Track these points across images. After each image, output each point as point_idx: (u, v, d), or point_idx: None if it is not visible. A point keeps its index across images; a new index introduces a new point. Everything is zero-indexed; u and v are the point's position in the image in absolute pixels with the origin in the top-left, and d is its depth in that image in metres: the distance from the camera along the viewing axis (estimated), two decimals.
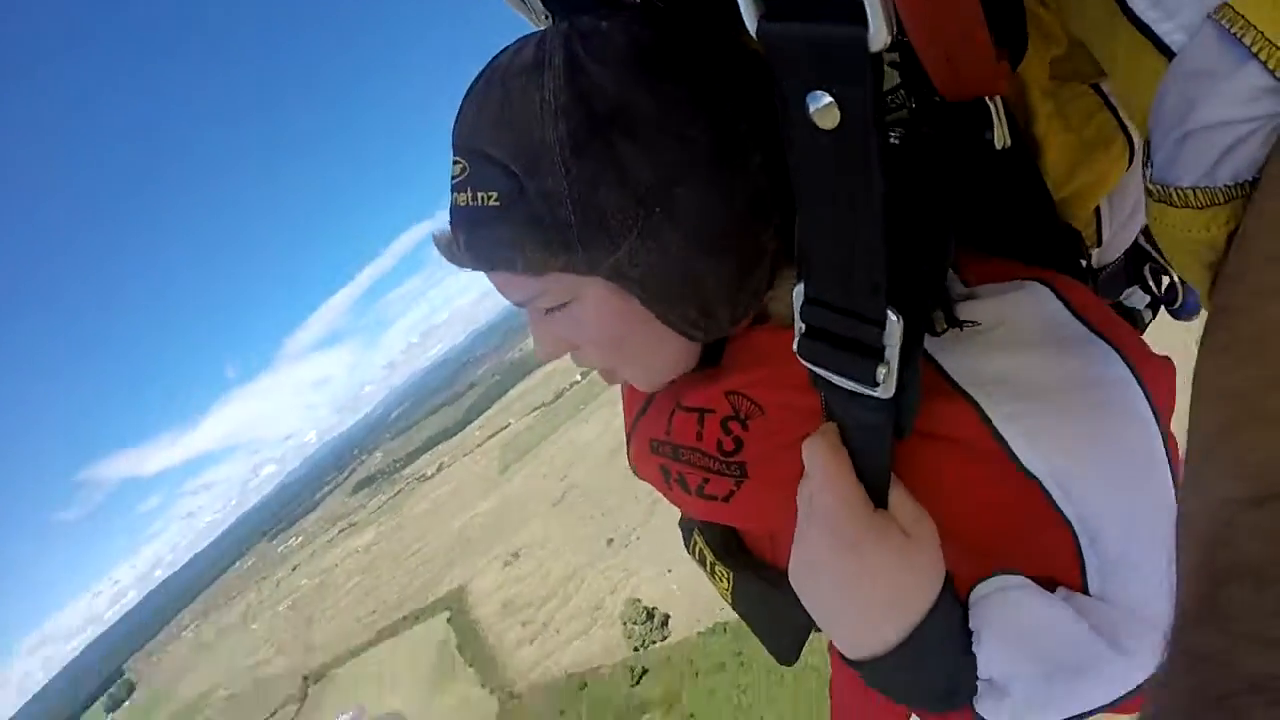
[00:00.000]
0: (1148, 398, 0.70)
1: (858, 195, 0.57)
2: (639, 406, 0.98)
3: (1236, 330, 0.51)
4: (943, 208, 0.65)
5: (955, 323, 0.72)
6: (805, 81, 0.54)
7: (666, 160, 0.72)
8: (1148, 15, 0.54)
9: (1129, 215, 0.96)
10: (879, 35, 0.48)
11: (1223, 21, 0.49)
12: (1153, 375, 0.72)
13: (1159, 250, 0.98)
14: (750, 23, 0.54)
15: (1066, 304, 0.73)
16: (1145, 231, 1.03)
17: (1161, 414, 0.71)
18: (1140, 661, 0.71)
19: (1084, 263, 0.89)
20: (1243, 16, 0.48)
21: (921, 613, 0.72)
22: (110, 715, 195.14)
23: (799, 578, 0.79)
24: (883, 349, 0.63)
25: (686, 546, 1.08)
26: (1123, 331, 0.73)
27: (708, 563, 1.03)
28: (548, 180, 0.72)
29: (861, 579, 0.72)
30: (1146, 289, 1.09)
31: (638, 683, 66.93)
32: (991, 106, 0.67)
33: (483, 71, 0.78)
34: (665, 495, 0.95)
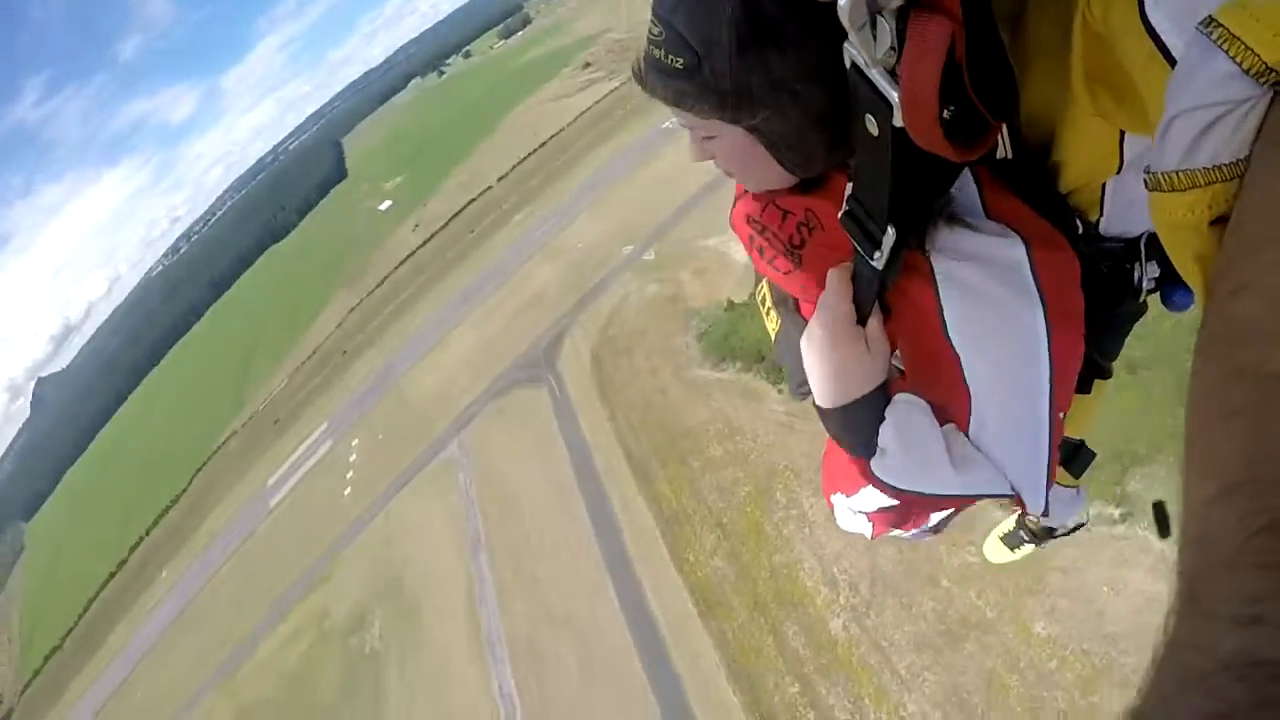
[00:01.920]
0: (1049, 348, 1.12)
1: (880, 167, 1.00)
2: (743, 190, 1.43)
3: (1210, 328, 0.56)
4: (933, 180, 1.07)
5: (921, 246, 1.15)
6: (865, 108, 0.96)
7: (799, 68, 1.08)
8: (1162, 28, 0.74)
9: (1129, 204, 1.22)
10: (897, 119, 0.90)
11: (1203, 28, 0.62)
12: (1061, 336, 1.12)
13: (1147, 256, 1.31)
14: (845, 65, 0.96)
15: (1031, 262, 1.11)
16: (1150, 238, 1.30)
17: (1056, 364, 1.12)
18: (962, 482, 1.22)
19: (1079, 226, 1.22)
20: (1216, 20, 0.61)
21: (860, 393, 1.26)
22: (502, 40, 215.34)
23: (804, 343, 1.31)
24: (880, 242, 1.09)
25: (754, 289, 1.59)
26: (1060, 301, 1.12)
27: (765, 306, 1.56)
28: (717, 64, 1.09)
29: (832, 359, 1.26)
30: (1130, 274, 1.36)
31: None
32: (999, 136, 1.10)
33: None
34: (747, 252, 1.41)
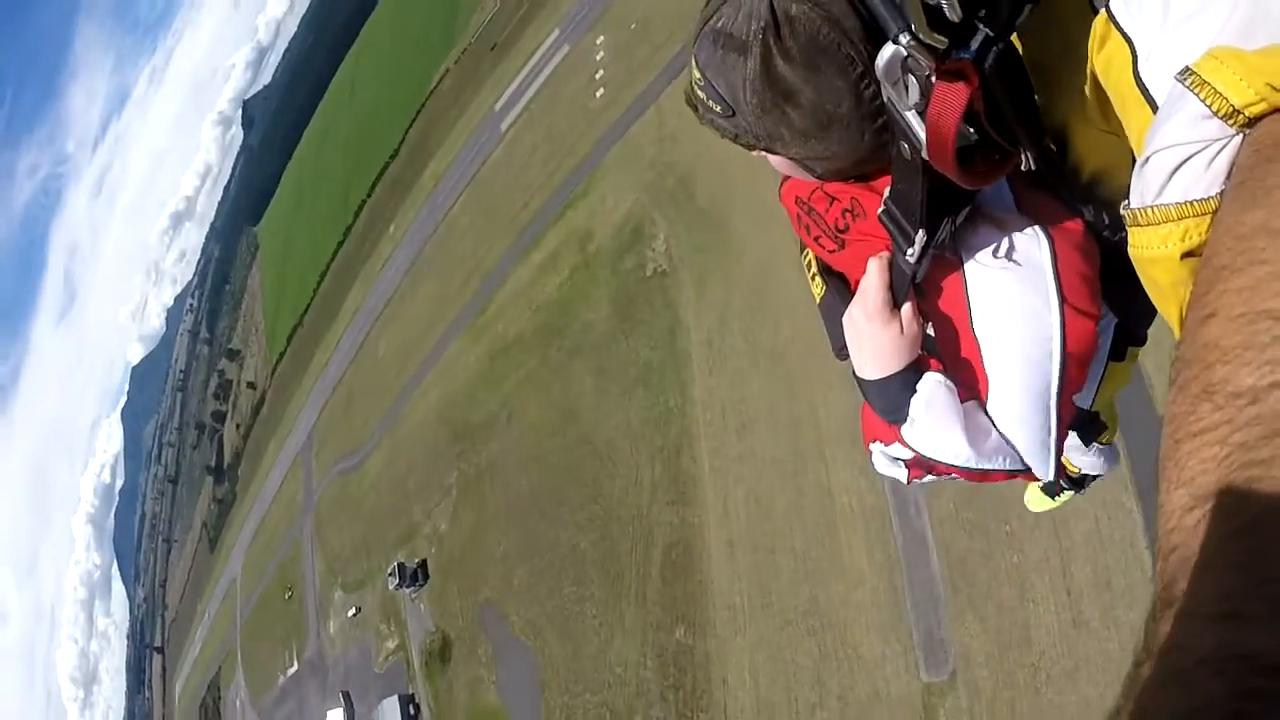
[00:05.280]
0: (1062, 339, 1.29)
1: (912, 183, 1.19)
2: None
3: (1183, 352, 0.61)
4: (959, 194, 1.24)
5: (945, 248, 1.32)
6: (899, 136, 1.14)
7: (818, 120, 1.24)
8: (1149, 82, 0.86)
9: None
10: (925, 154, 1.08)
11: (1179, 76, 0.71)
12: (1074, 328, 1.29)
13: None
14: (881, 102, 1.15)
15: (1053, 260, 1.29)
16: None
17: (1067, 352, 1.29)
18: (977, 457, 1.40)
19: (1105, 216, 1.34)
20: (1191, 69, 0.70)
21: (893, 370, 1.45)
22: None
23: (845, 322, 1.50)
24: (914, 240, 1.27)
25: (800, 252, 1.73)
26: (1076, 296, 1.29)
27: (811, 272, 1.69)
28: (748, 117, 1.28)
29: (868, 338, 1.45)
30: None
31: None
32: (1021, 156, 1.23)
33: (715, 18, 1.25)
34: (795, 229, 1.58)
